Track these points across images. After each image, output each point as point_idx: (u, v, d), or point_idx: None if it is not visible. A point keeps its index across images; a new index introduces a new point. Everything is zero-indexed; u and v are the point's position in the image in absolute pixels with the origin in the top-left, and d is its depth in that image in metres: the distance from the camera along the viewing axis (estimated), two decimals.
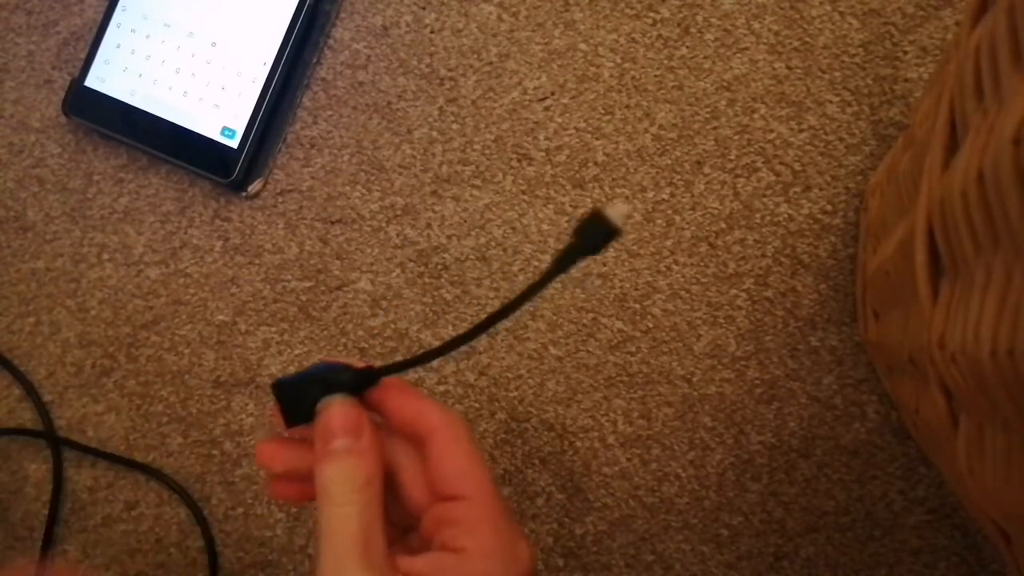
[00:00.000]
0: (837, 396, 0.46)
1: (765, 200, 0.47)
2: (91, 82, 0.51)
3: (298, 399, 0.29)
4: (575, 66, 0.49)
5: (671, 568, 0.46)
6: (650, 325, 0.47)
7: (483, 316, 0.31)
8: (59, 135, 0.53)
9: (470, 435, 0.30)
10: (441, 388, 0.49)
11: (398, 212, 0.50)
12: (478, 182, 0.49)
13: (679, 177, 0.48)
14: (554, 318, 0.48)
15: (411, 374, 0.49)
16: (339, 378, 0.29)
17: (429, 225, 0.50)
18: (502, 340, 0.48)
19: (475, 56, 0.50)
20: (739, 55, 0.48)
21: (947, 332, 0.27)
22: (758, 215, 0.47)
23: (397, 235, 0.50)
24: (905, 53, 0.47)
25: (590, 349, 0.48)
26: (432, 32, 0.50)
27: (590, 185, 0.48)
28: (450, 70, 0.50)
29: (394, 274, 0.50)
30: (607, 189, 0.48)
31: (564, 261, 0.28)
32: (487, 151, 0.49)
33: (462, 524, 0.28)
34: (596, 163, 0.48)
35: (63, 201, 0.52)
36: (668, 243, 0.48)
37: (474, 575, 0.27)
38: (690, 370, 0.47)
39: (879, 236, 0.40)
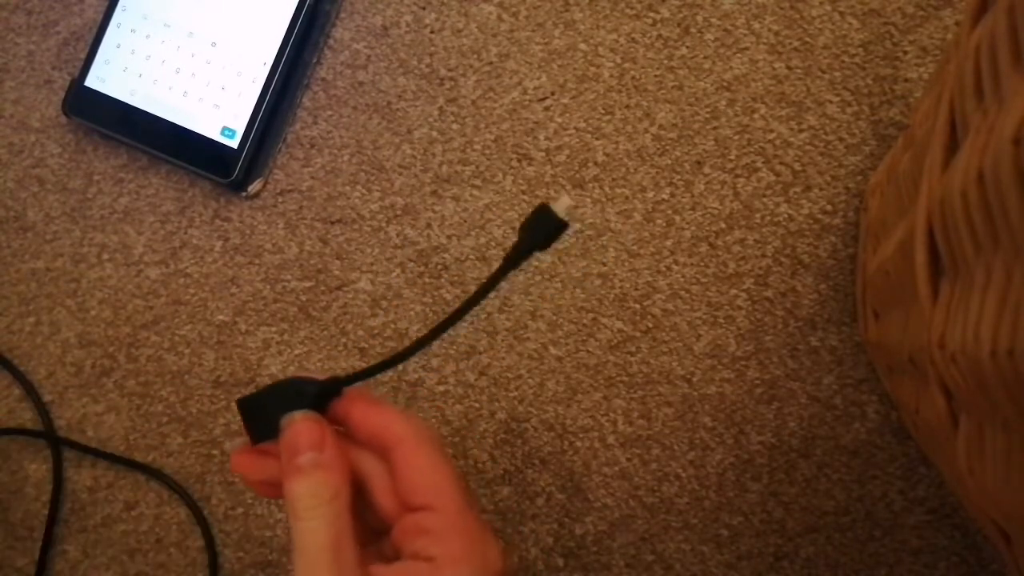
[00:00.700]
0: (837, 396, 0.46)
1: (765, 200, 0.47)
2: (91, 82, 0.51)
3: (263, 416, 0.30)
4: (575, 66, 0.49)
5: (671, 568, 0.46)
6: (650, 325, 0.47)
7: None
8: (59, 135, 0.53)
9: (436, 443, 0.30)
10: (441, 388, 0.49)
11: (398, 212, 0.50)
12: (478, 182, 0.49)
13: (679, 177, 0.48)
14: (554, 318, 0.48)
15: (412, 375, 0.49)
16: (301, 392, 0.29)
17: (429, 225, 0.50)
18: (502, 340, 0.48)
19: (475, 56, 0.50)
20: (739, 55, 0.48)
21: (947, 332, 0.27)
22: (758, 215, 0.47)
23: (397, 235, 0.50)
24: (905, 53, 0.47)
25: (590, 349, 0.48)
26: (432, 32, 0.50)
27: (590, 185, 0.48)
28: (450, 70, 0.50)
29: (394, 274, 0.50)
30: (607, 189, 0.48)
31: (514, 258, 0.29)
32: (487, 151, 0.49)
33: (431, 534, 0.28)
34: (596, 163, 0.48)
35: (63, 201, 0.52)
36: (668, 243, 0.48)
37: None
38: (690, 370, 0.47)
39: (879, 236, 0.40)
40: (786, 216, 0.47)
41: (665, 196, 0.48)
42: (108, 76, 0.51)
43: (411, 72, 0.50)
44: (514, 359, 0.48)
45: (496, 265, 0.48)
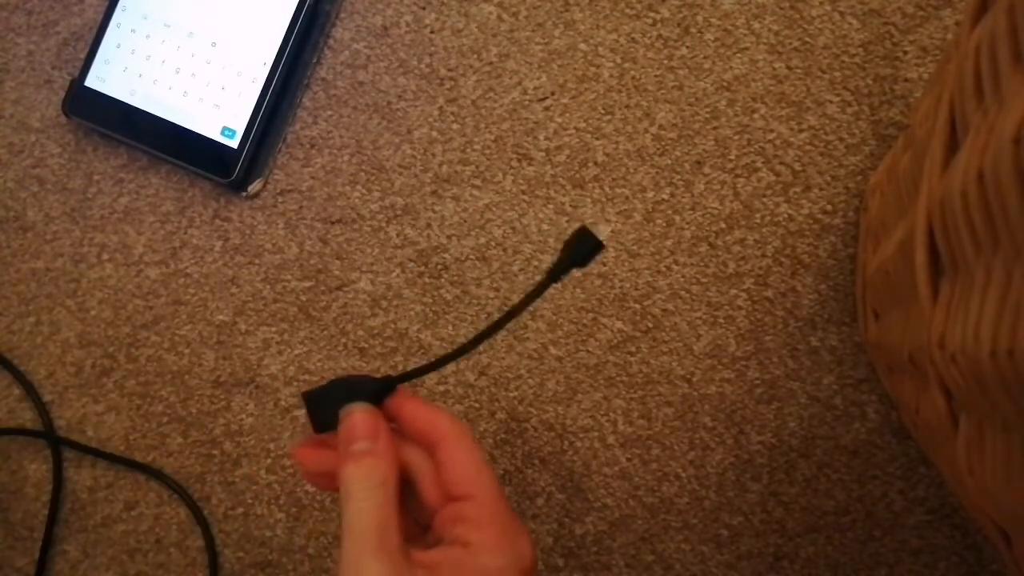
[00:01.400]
0: (837, 396, 0.46)
1: (765, 200, 0.47)
2: (91, 82, 0.51)
3: (324, 408, 0.33)
4: (575, 66, 0.49)
5: (671, 568, 0.46)
6: (650, 325, 0.47)
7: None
8: (59, 135, 0.53)
9: (475, 441, 0.32)
10: (441, 388, 0.49)
11: (398, 212, 0.50)
12: (478, 182, 0.49)
13: (679, 177, 0.48)
14: (554, 318, 0.48)
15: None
16: (360, 387, 0.33)
17: (429, 225, 0.50)
18: (502, 340, 0.48)
19: (475, 56, 0.50)
20: (739, 55, 0.48)
21: (947, 332, 0.27)
22: (758, 215, 0.47)
23: (397, 235, 0.50)
24: (905, 53, 0.47)
25: (590, 349, 0.48)
26: (432, 32, 0.50)
27: (590, 185, 0.48)
28: (450, 70, 0.50)
29: (394, 274, 0.50)
30: (607, 189, 0.48)
31: (556, 272, 0.33)
32: (487, 151, 0.49)
33: (469, 521, 0.30)
34: (596, 163, 0.48)
35: (63, 201, 0.52)
36: (668, 243, 0.48)
37: (480, 567, 0.29)
38: (690, 370, 0.47)
39: (879, 236, 0.40)
40: (786, 216, 0.47)
41: (665, 196, 0.48)
42: (108, 76, 0.51)
43: (411, 72, 0.50)
44: (514, 359, 0.48)
45: (496, 265, 0.49)
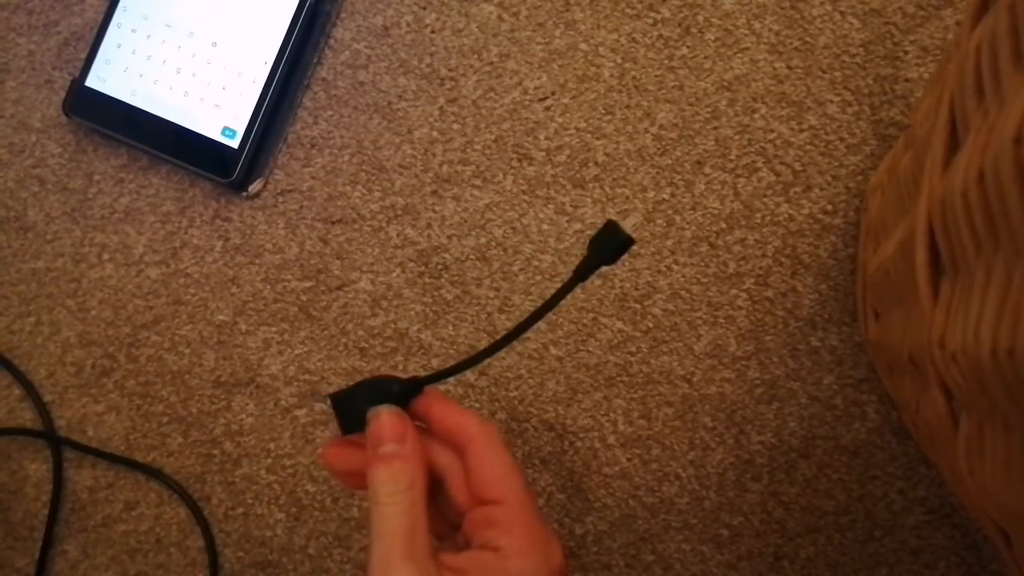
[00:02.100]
0: (837, 396, 0.46)
1: (765, 200, 0.47)
2: (92, 82, 0.51)
3: (352, 409, 0.32)
4: (575, 66, 0.49)
5: (671, 568, 0.46)
6: (650, 325, 0.47)
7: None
8: (59, 135, 0.53)
9: (504, 443, 0.32)
10: (441, 388, 0.48)
11: (398, 212, 0.50)
12: (478, 182, 0.49)
13: (679, 177, 0.48)
14: (554, 318, 0.48)
15: (412, 374, 0.49)
16: (387, 389, 0.32)
17: (429, 225, 0.50)
18: None
19: (475, 56, 0.50)
20: (740, 55, 0.48)
21: (947, 332, 0.27)
22: (758, 215, 0.47)
23: (397, 235, 0.50)
24: (906, 53, 0.47)
25: (590, 349, 0.48)
26: (432, 32, 0.50)
27: (590, 185, 0.48)
28: (450, 70, 0.50)
29: (394, 274, 0.50)
30: (607, 189, 0.48)
31: (584, 270, 0.31)
32: (487, 151, 0.49)
33: (499, 526, 0.30)
34: (596, 163, 0.48)
35: (63, 201, 0.52)
36: (668, 243, 0.48)
37: (509, 571, 0.29)
38: (690, 370, 0.47)
39: (879, 236, 0.40)
40: (786, 216, 0.47)
41: (665, 196, 0.48)
42: (109, 76, 0.51)
43: (411, 72, 0.50)
44: (514, 359, 0.48)
45: (496, 265, 0.49)
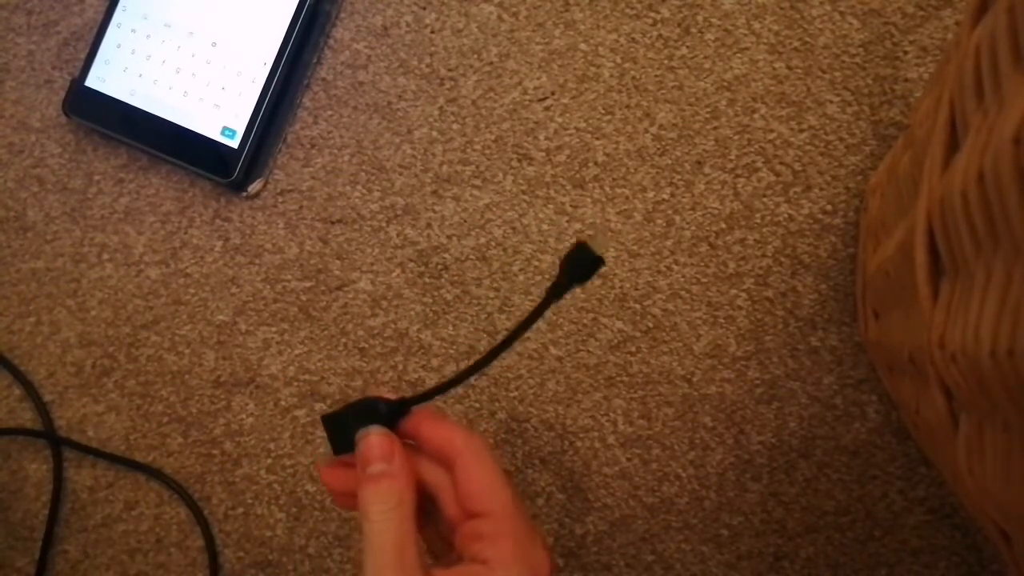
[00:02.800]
0: (837, 396, 0.46)
1: (765, 200, 0.47)
2: (91, 82, 0.51)
3: (342, 431, 0.33)
4: (575, 66, 0.49)
5: (671, 568, 0.46)
6: (650, 325, 0.47)
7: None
8: (59, 135, 0.53)
9: (491, 455, 0.33)
10: None
11: (398, 212, 0.50)
12: (478, 182, 0.49)
13: (679, 177, 0.48)
14: (554, 318, 0.48)
15: (412, 375, 0.49)
16: (375, 410, 0.33)
17: (429, 225, 0.50)
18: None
19: (475, 56, 0.50)
20: (739, 55, 0.48)
21: (947, 332, 0.27)
22: (758, 215, 0.47)
23: (397, 235, 0.50)
24: (905, 53, 0.47)
25: (590, 349, 0.48)
26: (432, 32, 0.50)
27: (590, 185, 0.48)
28: (450, 70, 0.50)
29: (394, 274, 0.50)
30: (607, 189, 0.48)
31: (557, 291, 0.32)
32: (487, 151, 0.49)
33: (485, 538, 0.31)
34: (596, 163, 0.48)
35: (63, 201, 0.52)
36: (668, 243, 0.48)
37: None
38: (690, 370, 0.47)
39: (879, 236, 0.40)
40: (786, 216, 0.47)
41: (665, 196, 0.48)
42: (108, 76, 0.51)
43: (411, 72, 0.50)
44: (514, 359, 0.48)
45: (496, 265, 0.49)
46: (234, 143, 0.50)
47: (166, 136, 0.50)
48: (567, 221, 0.48)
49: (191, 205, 0.52)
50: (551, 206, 0.49)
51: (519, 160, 0.49)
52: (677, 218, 0.48)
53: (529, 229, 0.49)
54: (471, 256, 0.49)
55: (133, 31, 0.51)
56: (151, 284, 0.51)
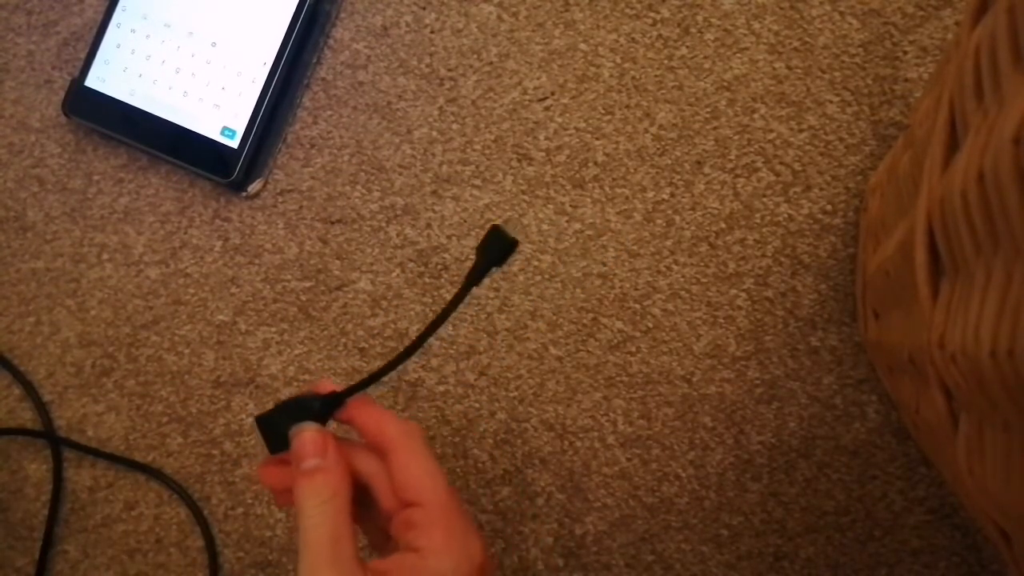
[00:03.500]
0: (837, 396, 0.46)
1: (765, 200, 0.47)
2: (91, 82, 0.51)
3: (276, 430, 0.34)
4: (575, 66, 0.49)
5: (671, 568, 0.46)
6: (650, 325, 0.47)
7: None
8: (59, 135, 0.53)
9: (424, 444, 0.33)
10: (441, 388, 0.49)
11: (398, 212, 0.50)
12: (478, 182, 0.49)
13: (679, 177, 0.48)
14: (554, 318, 0.48)
15: (412, 375, 0.49)
16: (307, 406, 0.33)
17: (429, 225, 0.50)
18: (502, 340, 0.48)
19: (475, 56, 0.50)
20: (739, 55, 0.48)
21: (947, 332, 0.27)
22: (758, 215, 0.47)
23: (397, 235, 0.50)
24: (905, 53, 0.47)
25: (590, 349, 0.48)
26: (432, 32, 0.50)
27: (590, 185, 0.48)
28: (450, 70, 0.50)
29: (394, 274, 0.50)
30: (607, 189, 0.48)
31: (474, 276, 0.33)
32: (487, 151, 0.49)
33: (418, 527, 0.31)
34: (596, 163, 0.48)
35: (63, 201, 0.52)
36: (668, 243, 0.48)
37: (428, 571, 0.30)
38: (690, 370, 0.47)
39: (879, 236, 0.40)
40: (786, 216, 0.47)
41: (665, 196, 0.48)
42: (108, 76, 0.51)
43: (411, 72, 0.50)
44: (514, 359, 0.48)
45: (494, 265, 0.49)
46: (234, 143, 0.50)
47: (166, 136, 0.50)
48: (567, 221, 0.48)
49: (191, 205, 0.52)
50: (551, 206, 0.49)
51: (519, 160, 0.49)
52: (677, 218, 0.48)
53: (529, 229, 0.49)
54: (471, 256, 0.49)
55: (133, 31, 0.51)
56: (151, 284, 0.51)
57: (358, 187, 0.50)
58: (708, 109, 0.48)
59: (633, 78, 0.49)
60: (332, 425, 0.34)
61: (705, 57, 0.48)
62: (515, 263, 0.49)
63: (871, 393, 0.46)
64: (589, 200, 0.48)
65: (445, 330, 0.49)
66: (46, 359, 0.52)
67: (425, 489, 0.32)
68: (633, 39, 0.49)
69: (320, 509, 0.31)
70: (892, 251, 0.36)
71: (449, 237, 0.49)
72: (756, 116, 0.47)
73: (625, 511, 0.47)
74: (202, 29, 0.50)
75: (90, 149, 0.53)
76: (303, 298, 0.50)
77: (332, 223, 0.50)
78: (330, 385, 0.34)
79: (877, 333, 0.42)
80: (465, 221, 0.49)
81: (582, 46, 0.49)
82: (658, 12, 0.49)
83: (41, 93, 0.53)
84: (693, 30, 0.48)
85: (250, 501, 0.49)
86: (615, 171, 0.48)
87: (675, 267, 0.47)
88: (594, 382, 0.47)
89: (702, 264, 0.47)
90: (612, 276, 0.48)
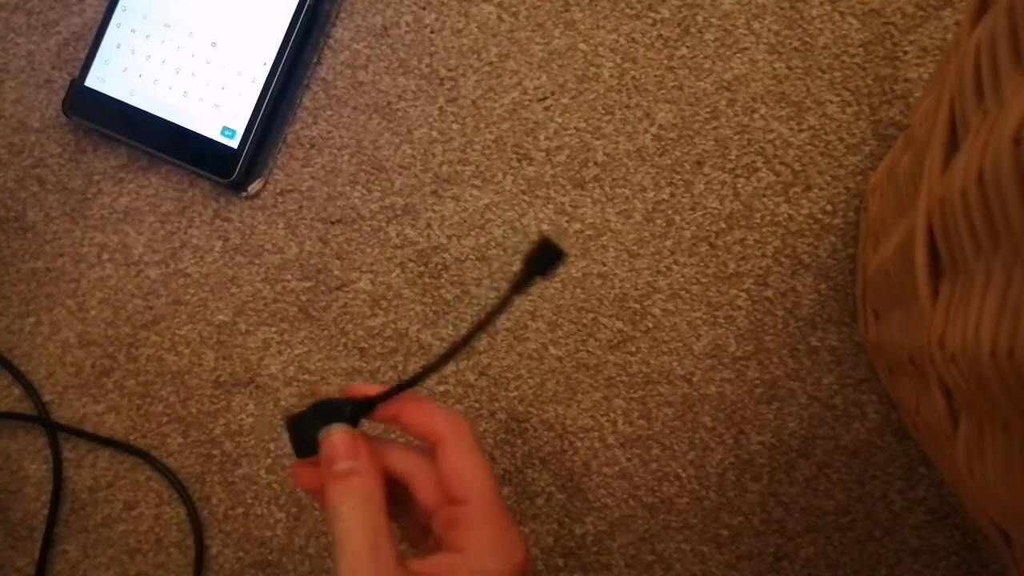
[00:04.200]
0: (837, 396, 0.46)
1: (765, 200, 0.47)
2: (91, 82, 0.51)
3: (305, 432, 0.33)
4: (575, 66, 0.49)
5: (671, 568, 0.46)
6: (650, 325, 0.47)
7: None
8: (59, 135, 0.53)
9: (474, 441, 0.32)
10: (441, 388, 0.49)
11: (398, 212, 0.50)
12: (478, 182, 0.49)
13: (679, 177, 0.48)
14: (554, 318, 0.48)
15: (411, 375, 0.49)
16: (337, 409, 0.33)
17: (429, 225, 0.50)
18: (502, 340, 0.48)
19: (475, 56, 0.50)
20: (739, 55, 0.48)
21: (947, 332, 0.27)
22: (758, 215, 0.47)
23: (397, 235, 0.50)
24: (905, 53, 0.47)
25: (590, 349, 0.48)
26: (432, 32, 0.50)
27: (590, 185, 0.48)
28: (450, 70, 0.50)
29: (394, 274, 0.50)
30: (607, 189, 0.48)
31: (520, 285, 0.32)
32: (487, 151, 0.49)
33: (462, 525, 0.30)
34: (596, 163, 0.48)
35: (63, 201, 0.52)
36: (668, 243, 0.48)
37: (472, 572, 0.30)
38: (690, 370, 0.47)
39: (879, 236, 0.40)
40: (786, 216, 0.47)
41: (665, 196, 0.48)
42: (108, 76, 0.51)
43: (411, 72, 0.50)
44: (514, 359, 0.48)
45: (496, 265, 0.49)
46: (234, 143, 0.50)
47: (166, 136, 0.50)
48: (567, 221, 0.48)
49: (191, 205, 0.52)
50: (551, 206, 0.49)
51: (519, 160, 0.49)
52: (677, 218, 0.48)
53: (529, 229, 0.49)
54: (471, 256, 0.49)
55: (133, 31, 0.51)
56: (151, 284, 0.51)
57: (358, 187, 0.50)
58: (708, 109, 0.48)
59: (633, 78, 0.49)
60: (364, 424, 0.34)
61: (705, 57, 0.48)
62: (515, 263, 0.49)
63: (871, 393, 0.46)
64: (589, 200, 0.48)
65: (445, 330, 0.49)
66: (46, 359, 0.52)
67: (472, 486, 0.31)
68: (633, 39, 0.49)
69: (356, 511, 0.30)
70: (892, 251, 0.36)
71: (449, 237, 0.49)
72: (756, 116, 0.47)
73: (625, 511, 0.47)
74: (202, 29, 0.50)
75: (90, 149, 0.53)
76: (303, 298, 0.50)
77: (332, 223, 0.50)
78: (364, 389, 0.33)
79: (877, 333, 0.42)
80: (465, 221, 0.49)
81: (582, 46, 0.49)
82: (658, 12, 0.49)
83: (41, 93, 0.53)
84: (693, 30, 0.48)
85: (250, 501, 0.49)
86: (615, 171, 0.48)
87: (675, 267, 0.47)
88: (594, 382, 0.47)
89: (702, 264, 0.47)
90: (612, 276, 0.48)
